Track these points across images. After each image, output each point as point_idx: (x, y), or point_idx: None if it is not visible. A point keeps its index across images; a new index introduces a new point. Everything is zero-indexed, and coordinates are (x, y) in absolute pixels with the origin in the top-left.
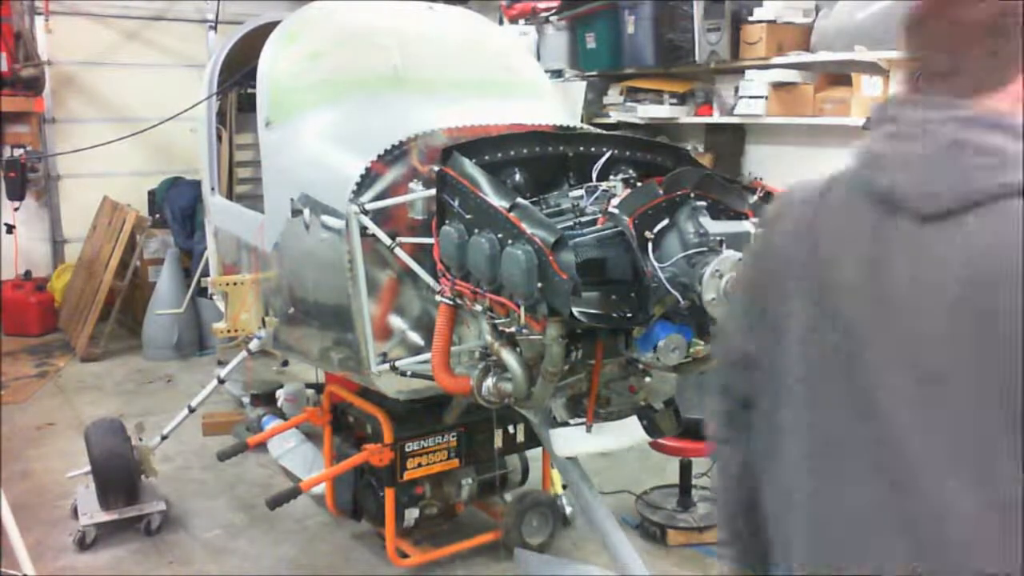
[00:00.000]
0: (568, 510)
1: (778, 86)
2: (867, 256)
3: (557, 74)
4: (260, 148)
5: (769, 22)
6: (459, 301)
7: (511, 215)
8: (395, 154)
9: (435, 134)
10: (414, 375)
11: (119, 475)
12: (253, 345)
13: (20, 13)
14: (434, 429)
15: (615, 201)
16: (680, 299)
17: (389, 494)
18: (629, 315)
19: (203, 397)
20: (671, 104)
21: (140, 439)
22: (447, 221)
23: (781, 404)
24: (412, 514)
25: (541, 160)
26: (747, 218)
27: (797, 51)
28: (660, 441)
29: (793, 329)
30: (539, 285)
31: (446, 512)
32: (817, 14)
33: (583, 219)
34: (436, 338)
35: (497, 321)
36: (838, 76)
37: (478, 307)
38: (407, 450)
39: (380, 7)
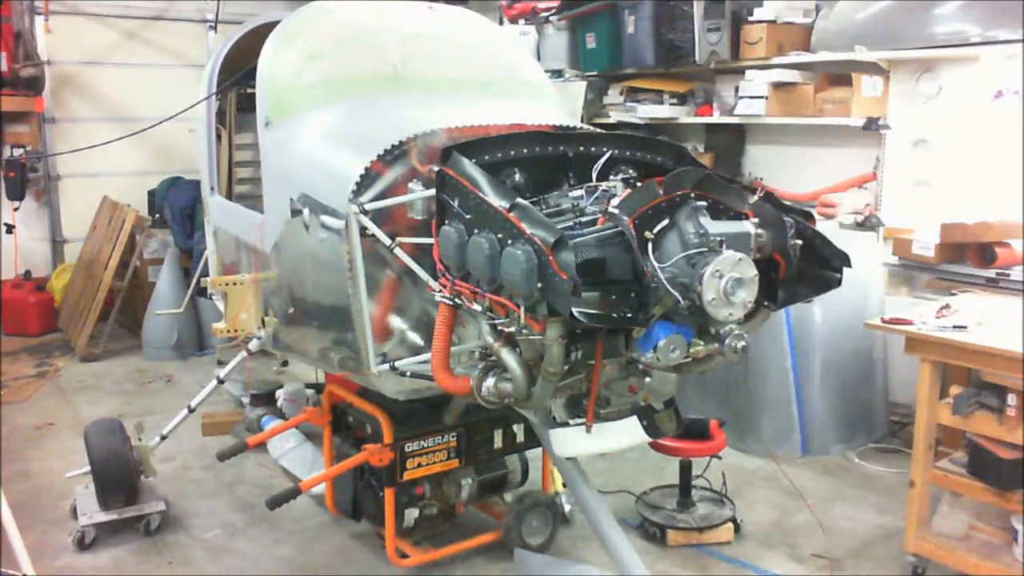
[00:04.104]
0: (567, 507)
1: (778, 86)
2: None
3: (557, 74)
4: (260, 148)
5: (769, 22)
6: (459, 301)
7: (511, 215)
8: (395, 154)
9: (435, 134)
10: (414, 375)
11: (118, 475)
12: (253, 345)
13: (20, 13)
14: (434, 429)
15: (615, 201)
16: (680, 299)
17: (389, 494)
18: (629, 315)
19: (203, 397)
20: (671, 104)
21: (140, 439)
22: (447, 221)
23: None
24: (412, 514)
25: (541, 160)
26: (747, 218)
27: (797, 51)
28: (660, 441)
29: None
30: (539, 285)
31: (446, 512)
32: (817, 14)
33: (583, 219)
34: (436, 338)
35: (497, 321)
36: (838, 76)
37: (478, 307)
38: (407, 450)
39: (380, 7)
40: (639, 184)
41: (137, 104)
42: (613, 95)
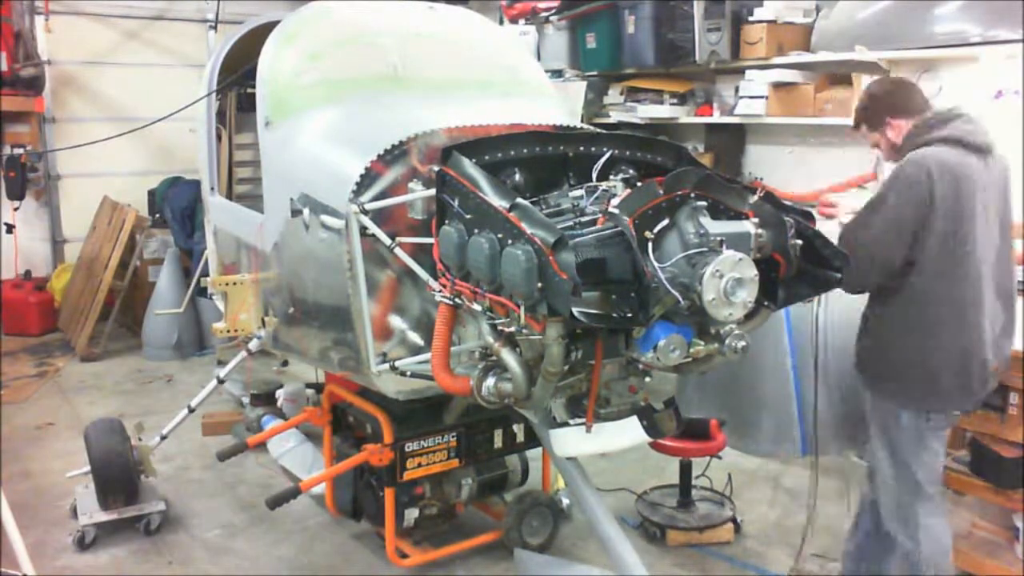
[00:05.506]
0: (565, 502)
1: (778, 86)
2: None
3: (557, 74)
4: (260, 148)
5: (769, 22)
6: (459, 301)
7: (511, 215)
8: (395, 154)
9: (435, 134)
10: (414, 375)
11: (119, 475)
12: (253, 345)
13: (20, 13)
14: (434, 429)
15: (615, 201)
16: (680, 299)
17: (389, 494)
18: (629, 315)
19: (203, 397)
20: (671, 104)
21: (139, 439)
22: (447, 221)
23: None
24: (412, 514)
25: (541, 160)
26: (747, 218)
27: (797, 51)
28: (660, 441)
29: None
30: (539, 285)
31: (446, 512)
32: (817, 14)
33: (583, 219)
34: (436, 338)
35: (497, 321)
36: (838, 76)
37: (478, 307)
38: (407, 450)
39: (380, 7)
40: (639, 184)
41: (137, 104)
42: (613, 95)
